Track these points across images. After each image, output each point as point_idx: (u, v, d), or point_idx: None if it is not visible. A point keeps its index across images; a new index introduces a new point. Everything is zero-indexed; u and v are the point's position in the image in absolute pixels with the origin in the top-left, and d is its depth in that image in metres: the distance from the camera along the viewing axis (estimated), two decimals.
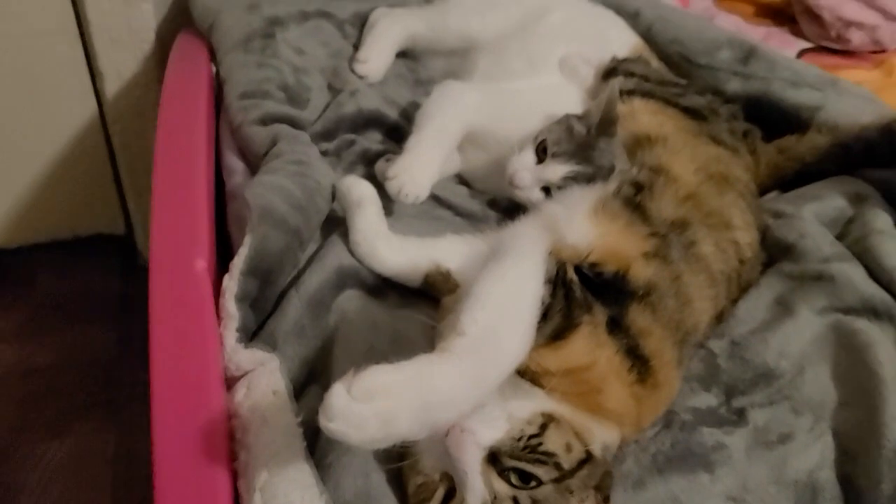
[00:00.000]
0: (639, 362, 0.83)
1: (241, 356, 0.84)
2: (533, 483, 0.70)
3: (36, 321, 1.75)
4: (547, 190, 1.13)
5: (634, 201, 0.98)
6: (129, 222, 1.86)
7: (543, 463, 0.71)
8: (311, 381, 0.88)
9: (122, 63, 1.60)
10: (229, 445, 0.76)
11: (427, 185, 1.10)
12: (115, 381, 1.62)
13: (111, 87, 1.63)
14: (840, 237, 1.13)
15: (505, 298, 0.73)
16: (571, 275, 0.82)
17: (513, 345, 0.70)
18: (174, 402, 0.77)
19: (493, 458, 0.70)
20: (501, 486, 0.70)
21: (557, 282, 0.79)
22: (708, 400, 0.93)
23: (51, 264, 1.87)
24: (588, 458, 0.74)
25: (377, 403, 0.60)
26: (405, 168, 1.09)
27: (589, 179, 1.10)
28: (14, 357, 1.66)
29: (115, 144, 1.72)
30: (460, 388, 0.65)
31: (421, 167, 1.10)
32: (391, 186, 1.07)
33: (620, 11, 1.52)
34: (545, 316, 0.76)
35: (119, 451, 1.49)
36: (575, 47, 1.36)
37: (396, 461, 0.75)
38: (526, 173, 1.13)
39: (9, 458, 1.46)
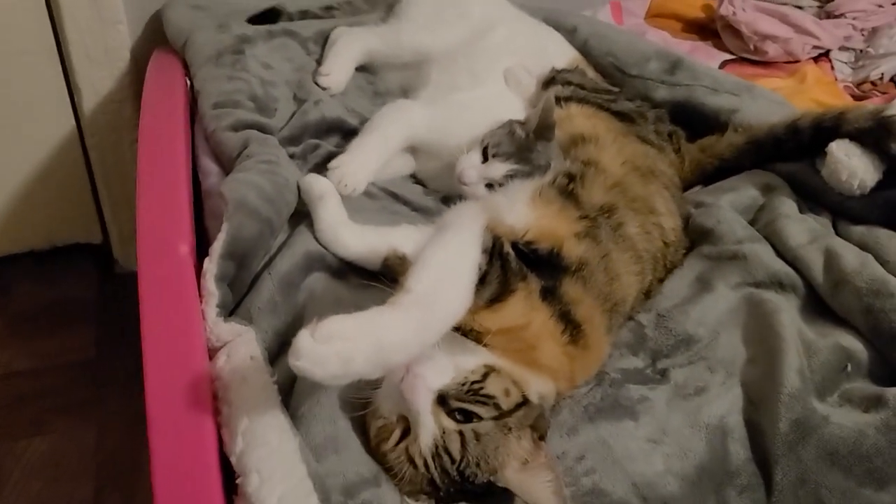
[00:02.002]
0: (571, 326, 0.94)
1: (222, 329, 0.94)
2: (475, 419, 0.82)
3: (14, 328, 1.82)
4: (491, 186, 1.25)
5: (567, 189, 1.11)
6: (106, 231, 1.93)
7: (484, 403, 0.83)
8: (283, 352, 0.98)
9: (98, 80, 1.70)
10: (213, 403, 0.86)
11: (364, 180, 1.24)
12: (94, 381, 1.69)
13: (88, 103, 1.72)
14: (752, 222, 1.26)
15: (446, 262, 0.85)
16: (508, 249, 0.94)
17: (452, 300, 0.82)
18: (164, 367, 0.87)
19: (442, 400, 0.82)
20: (449, 423, 0.82)
21: (494, 253, 0.91)
22: (635, 363, 1.05)
23: (29, 273, 1.93)
24: (524, 402, 0.86)
25: (336, 344, 0.71)
26: (346, 162, 1.24)
27: (527, 176, 1.22)
28: None
29: (92, 157, 1.80)
30: (407, 334, 0.77)
31: (360, 164, 1.25)
32: (331, 176, 1.20)
33: (559, 28, 1.67)
34: (483, 281, 0.88)
35: (100, 445, 1.56)
36: (517, 60, 1.50)
37: (360, 410, 0.86)
38: (472, 171, 1.26)
39: None
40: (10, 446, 1.55)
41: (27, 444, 1.56)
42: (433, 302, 0.80)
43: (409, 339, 0.77)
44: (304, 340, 0.70)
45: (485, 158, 1.27)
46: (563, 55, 1.58)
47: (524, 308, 0.91)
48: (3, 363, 1.73)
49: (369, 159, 1.27)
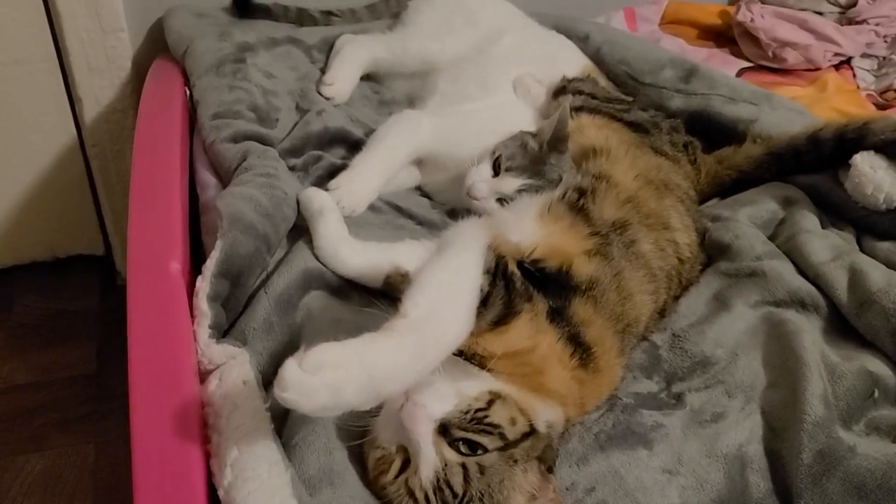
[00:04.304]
0: (581, 349, 0.90)
1: (214, 351, 0.90)
2: (479, 451, 0.77)
3: (16, 340, 1.79)
4: (501, 200, 1.21)
5: (578, 205, 1.07)
6: (108, 243, 1.91)
7: (489, 433, 0.78)
8: None
9: (99, 90, 1.68)
10: (202, 431, 0.82)
11: (364, 201, 1.21)
12: (95, 396, 1.66)
13: (89, 113, 1.70)
14: (772, 237, 1.22)
15: (444, 285, 0.80)
16: (513, 268, 0.90)
17: (451, 325, 0.77)
18: (150, 391, 0.83)
19: (444, 430, 0.77)
20: (451, 455, 0.77)
21: (498, 273, 0.86)
22: (649, 386, 1.00)
23: (31, 285, 1.91)
24: (531, 431, 0.81)
25: (325, 375, 0.67)
26: (347, 182, 1.20)
27: (539, 191, 1.18)
28: None
29: (94, 168, 1.79)
30: (402, 363, 0.72)
31: (361, 183, 1.21)
32: (332, 196, 1.16)
33: (571, 35, 1.63)
34: (486, 303, 0.83)
35: (99, 462, 1.54)
36: (527, 68, 1.46)
37: (357, 439, 0.82)
38: (483, 185, 1.21)
39: None
40: (9, 462, 1.53)
41: (26, 460, 1.54)
42: (430, 327, 0.75)
43: (405, 368, 0.72)
44: (291, 370, 0.66)
45: (496, 172, 1.22)
46: (574, 63, 1.53)
47: (530, 330, 0.87)
48: (3, 377, 1.71)
49: (371, 177, 1.23)
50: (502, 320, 0.85)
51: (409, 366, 0.73)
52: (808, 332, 1.02)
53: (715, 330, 1.05)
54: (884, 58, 1.85)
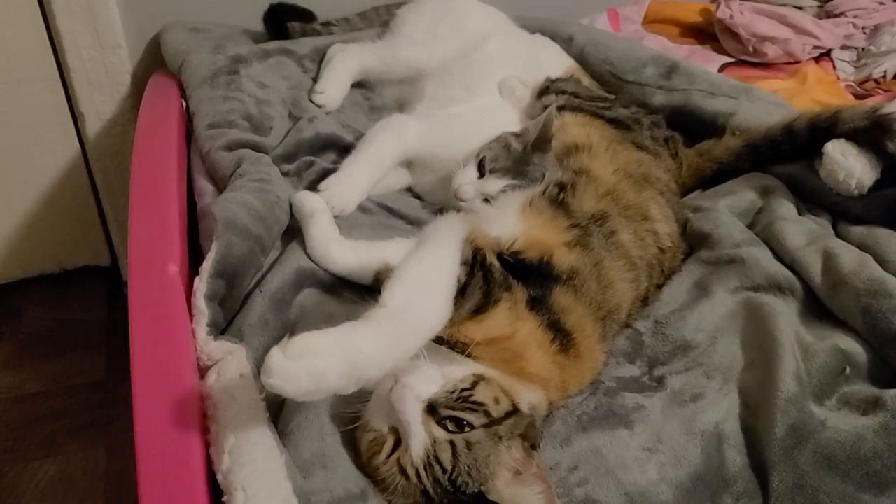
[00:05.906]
0: (561, 335, 0.94)
1: (212, 347, 0.94)
2: (466, 428, 0.81)
3: (27, 350, 1.84)
4: (487, 200, 1.25)
5: (558, 199, 1.11)
6: (114, 254, 1.96)
7: (474, 411, 0.82)
8: None
9: (101, 105, 1.72)
10: (202, 422, 0.86)
11: (353, 201, 1.25)
12: (104, 402, 1.71)
13: (92, 128, 1.75)
14: (751, 225, 1.26)
15: (421, 277, 0.84)
16: (491, 259, 0.94)
17: (427, 314, 0.81)
18: (152, 387, 0.86)
19: (432, 409, 0.82)
20: (439, 433, 0.81)
21: (476, 264, 0.90)
22: (632, 371, 1.04)
23: (40, 297, 1.96)
24: (514, 411, 0.85)
25: (307, 361, 0.71)
26: (336, 184, 1.24)
27: (523, 190, 1.22)
28: (7, 384, 1.75)
29: (98, 181, 1.83)
30: (380, 350, 0.76)
31: (349, 185, 1.26)
32: (322, 197, 1.20)
33: (556, 37, 1.68)
34: (464, 293, 0.87)
35: (110, 466, 1.57)
36: (512, 71, 1.50)
37: (349, 424, 0.86)
38: (469, 187, 1.25)
39: (3, 477, 1.55)
40: (22, 468, 1.57)
41: (38, 466, 1.58)
42: (406, 316, 0.79)
43: (382, 354, 0.76)
44: (275, 358, 0.70)
45: (481, 173, 1.26)
46: (558, 64, 1.58)
47: (509, 318, 0.91)
48: (15, 386, 1.75)
49: (360, 179, 1.27)
50: (481, 309, 0.89)
51: (387, 352, 0.77)
52: (784, 314, 1.05)
53: (696, 316, 1.08)
54: (862, 49, 1.88)
